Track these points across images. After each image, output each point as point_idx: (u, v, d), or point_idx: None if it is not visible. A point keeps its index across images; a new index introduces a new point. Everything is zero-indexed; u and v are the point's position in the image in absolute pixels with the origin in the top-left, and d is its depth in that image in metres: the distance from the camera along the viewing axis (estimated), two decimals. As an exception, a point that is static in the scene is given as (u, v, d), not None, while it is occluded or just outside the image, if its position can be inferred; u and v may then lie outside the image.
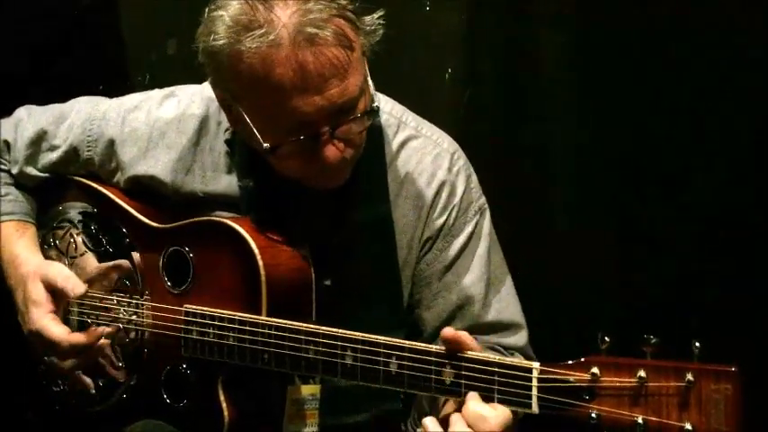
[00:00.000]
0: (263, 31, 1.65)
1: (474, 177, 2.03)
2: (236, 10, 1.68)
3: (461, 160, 2.02)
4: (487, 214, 2.03)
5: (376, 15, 1.76)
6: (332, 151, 1.74)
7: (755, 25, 2.28)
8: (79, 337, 1.94)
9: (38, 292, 1.97)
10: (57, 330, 1.94)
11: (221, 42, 1.69)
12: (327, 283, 1.93)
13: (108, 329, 1.96)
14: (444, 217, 1.97)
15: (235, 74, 1.71)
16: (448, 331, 1.63)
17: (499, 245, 2.04)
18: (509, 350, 1.98)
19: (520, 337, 2.00)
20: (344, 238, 1.93)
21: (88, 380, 2.05)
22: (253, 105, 1.74)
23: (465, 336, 1.62)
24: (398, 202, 1.96)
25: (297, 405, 1.90)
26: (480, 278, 1.98)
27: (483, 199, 2.03)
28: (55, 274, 1.99)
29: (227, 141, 1.99)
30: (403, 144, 1.99)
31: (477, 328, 1.94)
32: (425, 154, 1.99)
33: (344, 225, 1.93)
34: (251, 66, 1.67)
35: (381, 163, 1.95)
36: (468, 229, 1.99)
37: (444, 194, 1.97)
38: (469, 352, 1.60)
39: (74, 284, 1.97)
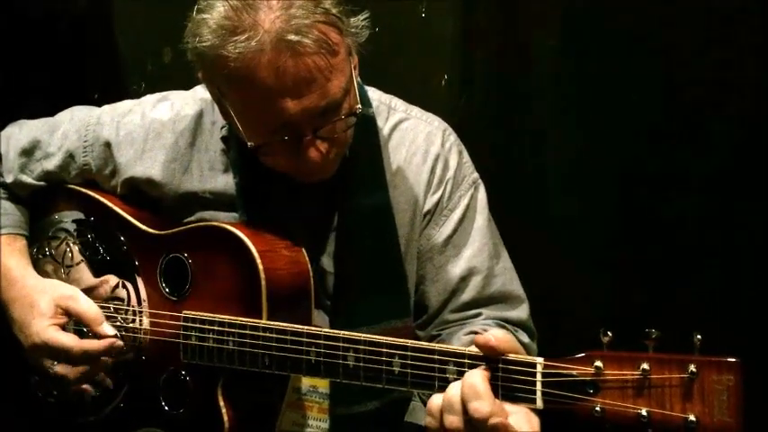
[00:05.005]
0: (246, 36, 1.66)
1: (465, 153, 2.06)
2: (221, 14, 1.69)
3: (453, 137, 2.06)
4: (482, 188, 2.05)
5: (362, 17, 1.79)
6: (314, 152, 1.77)
7: (752, 25, 2.30)
8: (91, 344, 1.93)
9: (45, 306, 1.96)
10: (66, 338, 1.93)
11: (206, 45, 1.71)
12: (331, 271, 1.94)
13: (119, 343, 1.94)
14: (441, 191, 1.99)
15: (220, 75, 1.73)
16: (480, 338, 1.55)
17: (494, 222, 2.05)
18: (513, 325, 1.97)
19: (522, 311, 2.01)
20: (345, 225, 1.94)
21: (89, 387, 2.01)
22: (237, 105, 1.77)
23: (498, 339, 1.54)
24: (396, 182, 1.98)
25: (297, 393, 1.90)
26: (481, 250, 1.99)
27: (476, 174, 2.05)
28: (80, 301, 1.97)
29: (222, 138, 2.00)
30: (395, 127, 2.02)
31: (481, 301, 1.96)
32: (418, 133, 2.02)
33: (344, 213, 1.94)
34: (235, 69, 1.69)
35: (375, 148, 1.97)
36: (464, 202, 2.00)
37: (439, 169, 2.00)
38: (470, 349, 1.58)
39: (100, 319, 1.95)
